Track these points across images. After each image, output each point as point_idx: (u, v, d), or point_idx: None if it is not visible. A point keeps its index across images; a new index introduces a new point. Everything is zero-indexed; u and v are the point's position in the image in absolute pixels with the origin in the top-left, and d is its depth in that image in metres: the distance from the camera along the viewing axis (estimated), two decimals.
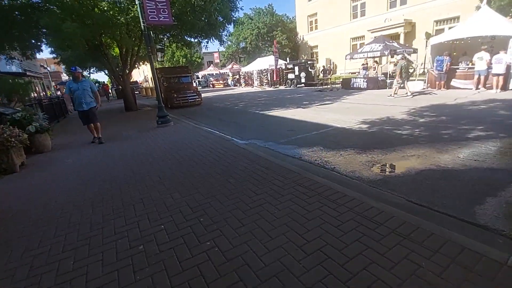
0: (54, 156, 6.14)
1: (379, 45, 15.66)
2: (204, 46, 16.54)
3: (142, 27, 7.56)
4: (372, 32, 26.87)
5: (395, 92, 11.84)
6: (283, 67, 24.64)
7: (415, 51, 16.31)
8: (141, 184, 3.93)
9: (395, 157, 4.49)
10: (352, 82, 16.96)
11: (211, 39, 13.72)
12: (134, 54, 13.96)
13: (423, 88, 13.69)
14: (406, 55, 13.57)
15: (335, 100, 12.24)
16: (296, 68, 22.22)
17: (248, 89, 27.42)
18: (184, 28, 12.26)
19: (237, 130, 7.71)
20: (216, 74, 37.84)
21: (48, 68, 45.44)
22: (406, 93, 11.70)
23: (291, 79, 23.00)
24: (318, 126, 7.14)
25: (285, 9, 60.36)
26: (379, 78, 15.77)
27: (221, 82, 35.29)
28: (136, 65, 25.73)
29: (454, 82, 12.65)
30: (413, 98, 10.90)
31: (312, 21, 34.91)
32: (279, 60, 25.85)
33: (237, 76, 33.61)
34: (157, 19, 7.62)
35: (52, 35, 10.33)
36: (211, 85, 36.41)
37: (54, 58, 27.15)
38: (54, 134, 7.72)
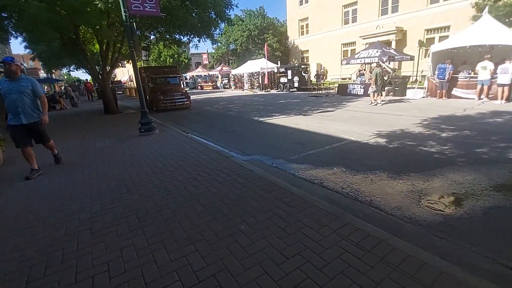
0: (2, 175, 4.81)
1: (377, 51, 15.05)
2: (194, 45, 15.34)
3: (124, 17, 6.35)
4: (363, 39, 26.59)
5: (374, 99, 11.59)
6: (275, 70, 23.76)
7: (412, 58, 15.84)
8: (110, 234, 2.66)
9: (441, 185, 3.56)
10: (349, 88, 16.27)
11: (203, 38, 12.56)
12: (116, 50, 12.59)
13: (423, 97, 13.15)
14: (381, 63, 13.19)
15: (335, 107, 11.41)
16: (289, 72, 21.39)
17: (239, 92, 26.36)
18: (173, 25, 11.03)
19: (234, 140, 6.64)
20: (204, 75, 36.52)
21: (25, 64, 42.52)
22: (371, 102, 11.61)
23: (284, 83, 22.14)
24: (329, 139, 6.18)
25: (276, 13, 60.22)
26: None
27: (209, 84, 34.03)
28: (120, 64, 24.14)
29: (455, 91, 12.13)
30: (418, 108, 10.20)
31: (303, 25, 34.41)
32: (271, 63, 24.99)
33: (227, 79, 32.46)
34: (141, 9, 6.45)
35: (13, 19, 8.70)
36: (199, 87, 35.06)
37: (29, 53, 25.12)
38: (7, 144, 6.25)
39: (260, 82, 24.77)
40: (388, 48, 16.09)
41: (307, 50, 34.34)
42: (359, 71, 17.16)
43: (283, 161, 4.76)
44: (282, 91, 22.42)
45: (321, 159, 4.75)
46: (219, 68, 34.25)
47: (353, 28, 28.65)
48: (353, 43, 29.02)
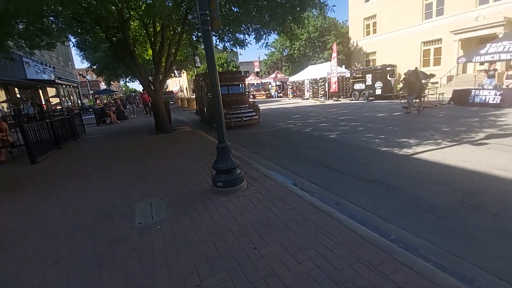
0: None
1: None
2: (264, 44, 12.04)
3: None
4: (456, 34, 21.09)
5: (409, 109, 10.57)
6: (347, 75, 19.54)
7: None
8: None
9: None
10: (471, 95, 11.42)
11: (287, 24, 8.80)
12: (171, 54, 9.74)
13: None
14: (417, 70, 11.63)
15: (489, 126, 6.94)
16: (369, 77, 17.03)
17: (299, 101, 22.59)
18: (249, 14, 7.70)
19: (406, 211, 2.81)
20: (257, 83, 33.52)
21: (88, 77, 44.28)
22: (408, 111, 10.53)
23: (360, 91, 17.82)
24: None
25: (333, 13, 54.05)
26: None
27: (262, 92, 30.86)
28: (173, 74, 22.01)
29: None
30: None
31: (369, 24, 29.57)
32: (340, 68, 20.83)
33: (282, 87, 28.93)
34: None
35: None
36: (251, 96, 32.15)
37: (90, 67, 24.59)
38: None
39: (326, 89, 20.71)
40: None
41: (374, 52, 29.34)
42: (488, 71, 12.16)
43: None
44: (358, 99, 18.12)
45: None
46: (273, 75, 30.94)
47: (438, 22, 23.19)
48: (438, 40, 23.53)
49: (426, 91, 14.21)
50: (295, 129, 9.22)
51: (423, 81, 11.54)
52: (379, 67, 17.09)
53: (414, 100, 10.74)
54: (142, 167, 5.38)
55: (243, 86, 11.64)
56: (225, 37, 12.65)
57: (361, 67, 20.73)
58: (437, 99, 13.93)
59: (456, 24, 21.14)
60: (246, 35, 12.64)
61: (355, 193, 3.69)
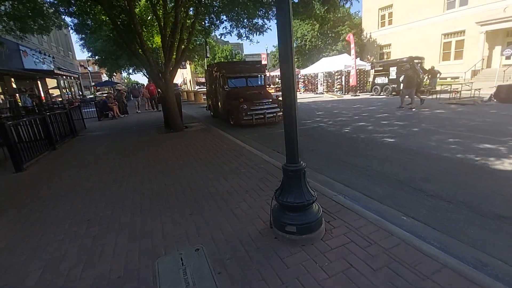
0: None
1: None
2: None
3: None
4: (482, 25, 19.53)
5: (406, 104, 10.66)
6: (367, 68, 18.00)
7: None
8: None
9: None
10: None
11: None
12: (183, 39, 8.27)
13: None
14: (415, 64, 11.82)
15: None
16: (393, 70, 15.49)
17: (311, 95, 21.09)
18: None
19: None
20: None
21: (90, 68, 42.61)
22: (404, 106, 10.63)
23: (382, 85, 16.31)
24: None
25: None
26: None
27: (271, 86, 29.26)
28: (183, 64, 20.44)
29: None
30: None
31: (384, 14, 27.84)
32: (359, 61, 19.28)
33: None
34: None
35: None
36: None
37: (92, 58, 22.99)
38: None
39: (343, 83, 19.18)
40: None
41: (389, 45, 27.70)
42: None
43: None
44: (379, 94, 16.64)
45: None
46: None
47: (461, 13, 21.57)
48: (461, 32, 21.94)
49: (459, 86, 12.74)
50: (331, 129, 7.79)
51: (421, 76, 11.52)
52: (405, 59, 15.52)
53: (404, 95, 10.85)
54: (157, 183, 4.00)
55: (263, 78, 10.18)
56: (239, 23, 11.17)
57: (384, 60, 19.11)
58: (472, 95, 12.46)
59: (482, 15, 19.55)
60: (266, 19, 11.18)
61: (498, 242, 2.32)
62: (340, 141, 6.26)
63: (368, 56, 29.26)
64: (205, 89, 14.46)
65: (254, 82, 9.92)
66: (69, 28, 9.75)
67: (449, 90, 12.43)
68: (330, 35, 26.74)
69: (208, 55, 16.89)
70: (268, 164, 4.51)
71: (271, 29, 11.67)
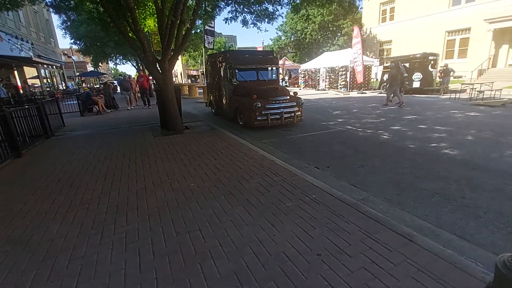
0: None
1: None
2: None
3: None
4: (491, 23, 18.61)
5: (396, 102, 10.60)
6: (375, 64, 16.75)
7: None
8: None
9: None
10: None
11: None
12: (185, 20, 6.63)
13: None
14: (400, 64, 11.99)
15: None
16: (403, 66, 14.27)
17: (313, 92, 19.71)
18: None
19: None
20: None
21: (74, 58, 39.56)
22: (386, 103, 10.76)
23: None
24: None
25: None
26: None
27: None
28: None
29: None
30: None
31: (386, 9, 26.64)
32: (366, 57, 17.99)
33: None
34: None
35: None
36: None
37: (72, 44, 20.66)
38: None
39: (348, 80, 17.88)
40: None
41: (390, 41, 26.61)
42: None
43: None
44: None
45: None
46: (280, 62, 27.70)
47: (468, 9, 20.59)
48: (466, 30, 21.00)
49: (479, 86, 11.67)
50: (364, 134, 6.40)
51: (404, 75, 11.77)
52: (418, 55, 14.35)
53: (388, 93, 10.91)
54: (162, 235, 2.49)
55: (276, 71, 8.66)
56: (246, 7, 9.60)
57: (396, 56, 17.88)
58: (492, 96, 11.41)
59: (489, 13, 18.61)
60: (277, 5, 9.63)
61: None
62: (389, 153, 4.88)
63: (367, 52, 28.11)
64: (197, 83, 12.78)
65: (266, 75, 8.40)
66: (44, 3, 7.81)
67: (460, 89, 11.47)
68: (331, 28, 25.26)
69: (207, 45, 15.07)
70: (319, 192, 3.08)
71: (282, 17, 10.10)
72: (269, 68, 8.41)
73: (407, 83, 14.48)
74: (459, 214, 2.79)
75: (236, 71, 7.84)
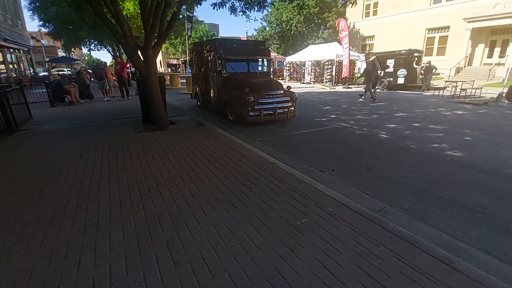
0: None
1: None
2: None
3: None
4: (469, 22, 19.16)
5: (369, 97, 10.94)
6: (361, 58, 16.67)
7: None
8: None
9: None
10: None
11: None
12: (171, 2, 5.92)
13: None
14: (376, 60, 12.13)
15: None
16: (390, 62, 14.30)
17: (299, 85, 19.40)
18: None
19: None
20: None
21: (44, 42, 36.31)
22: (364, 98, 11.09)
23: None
24: None
25: None
26: None
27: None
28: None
29: None
30: None
31: (369, 4, 26.71)
32: (353, 52, 17.86)
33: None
34: None
35: None
36: None
37: (41, 26, 18.71)
38: None
39: (333, 74, 17.73)
40: None
41: (372, 36, 26.84)
42: None
43: None
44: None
45: None
46: None
47: (448, 8, 21.08)
48: (446, 28, 21.55)
49: (461, 84, 11.89)
50: (361, 132, 6.14)
51: (379, 71, 12.04)
52: (403, 51, 14.39)
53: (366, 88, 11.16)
54: (156, 266, 2.01)
55: (268, 63, 8.16)
56: None
57: (382, 52, 17.89)
58: (473, 94, 11.68)
59: (469, 12, 19.09)
60: None
61: None
62: (393, 154, 4.64)
63: (350, 46, 28.18)
64: (178, 72, 11.96)
65: (257, 67, 7.88)
66: None
67: (443, 87, 11.75)
68: (316, 21, 24.89)
69: (190, 33, 14.13)
70: (334, 204, 2.72)
71: (274, 5, 9.50)
72: (261, 60, 7.89)
73: (391, 79, 14.55)
74: (486, 228, 2.54)
75: (226, 62, 7.25)
